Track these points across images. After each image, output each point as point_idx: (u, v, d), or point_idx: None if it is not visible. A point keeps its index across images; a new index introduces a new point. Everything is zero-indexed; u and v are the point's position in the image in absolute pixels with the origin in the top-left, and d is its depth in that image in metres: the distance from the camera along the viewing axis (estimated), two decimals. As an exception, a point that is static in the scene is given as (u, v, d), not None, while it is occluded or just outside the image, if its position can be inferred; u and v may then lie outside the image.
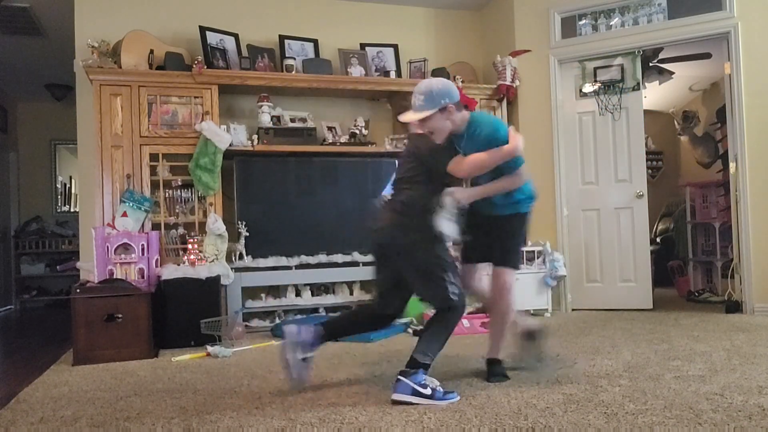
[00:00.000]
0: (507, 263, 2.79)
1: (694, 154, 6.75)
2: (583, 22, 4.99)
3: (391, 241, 2.57)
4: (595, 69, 4.98)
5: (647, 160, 5.44)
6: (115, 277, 3.82)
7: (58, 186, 7.84)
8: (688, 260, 5.92)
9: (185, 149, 4.33)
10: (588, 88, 5.02)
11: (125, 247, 3.92)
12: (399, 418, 2.17)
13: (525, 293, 4.10)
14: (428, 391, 2.35)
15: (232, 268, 4.24)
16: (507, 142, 2.47)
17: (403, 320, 4.24)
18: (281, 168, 4.71)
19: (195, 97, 4.41)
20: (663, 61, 5.88)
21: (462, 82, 5.10)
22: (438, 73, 5.15)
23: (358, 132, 4.91)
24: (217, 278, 4.02)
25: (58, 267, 7.33)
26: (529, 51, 5.11)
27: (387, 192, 2.76)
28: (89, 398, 2.66)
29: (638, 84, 4.92)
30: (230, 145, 4.38)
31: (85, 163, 4.49)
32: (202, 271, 3.98)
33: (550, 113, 5.02)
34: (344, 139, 4.89)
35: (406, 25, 5.45)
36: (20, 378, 3.17)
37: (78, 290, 3.51)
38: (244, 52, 4.79)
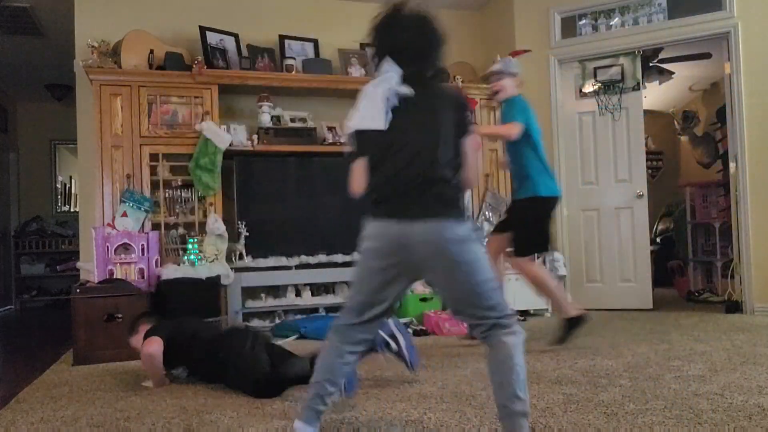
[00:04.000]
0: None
1: (694, 154, 6.75)
2: (583, 22, 4.99)
3: None
4: (595, 69, 4.99)
5: (647, 160, 5.44)
6: (115, 277, 3.82)
7: (58, 186, 7.84)
8: (688, 260, 5.92)
9: (185, 149, 4.33)
10: (588, 88, 5.02)
11: (125, 247, 3.91)
12: (399, 418, 2.17)
13: (525, 293, 4.10)
14: None
15: (232, 268, 4.24)
16: None
17: (403, 320, 4.24)
18: (281, 168, 4.71)
19: (195, 97, 4.41)
20: (663, 61, 5.88)
21: (462, 82, 5.09)
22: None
23: (358, 132, 4.90)
24: (217, 278, 4.02)
25: (58, 267, 7.34)
26: (529, 51, 5.10)
27: None
28: (89, 398, 2.66)
29: (638, 84, 4.92)
30: (230, 145, 4.38)
31: (85, 163, 4.49)
32: (202, 271, 3.98)
33: (549, 113, 5.01)
34: (344, 139, 4.89)
35: (406, 25, 5.44)
36: (20, 378, 3.17)
37: (78, 290, 3.51)
38: (244, 52, 4.79)
